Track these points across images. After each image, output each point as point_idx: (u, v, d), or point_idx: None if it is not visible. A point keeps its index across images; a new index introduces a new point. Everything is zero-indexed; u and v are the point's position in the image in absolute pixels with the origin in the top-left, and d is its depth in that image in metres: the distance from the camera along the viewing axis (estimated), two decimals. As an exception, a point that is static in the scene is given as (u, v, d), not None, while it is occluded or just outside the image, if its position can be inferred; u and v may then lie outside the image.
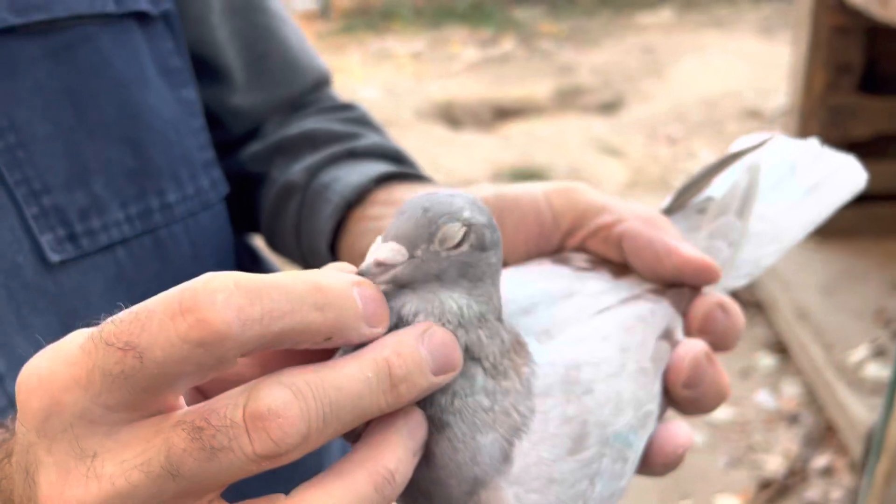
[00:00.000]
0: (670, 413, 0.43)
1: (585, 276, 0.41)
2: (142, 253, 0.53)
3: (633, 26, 7.34)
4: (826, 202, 0.47)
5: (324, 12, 8.44)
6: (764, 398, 2.67)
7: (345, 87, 6.19)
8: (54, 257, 0.48)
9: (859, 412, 2.19)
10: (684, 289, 0.42)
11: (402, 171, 0.59)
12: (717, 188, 0.46)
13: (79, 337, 0.27)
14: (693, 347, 0.40)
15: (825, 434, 2.44)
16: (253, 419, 0.26)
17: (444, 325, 0.31)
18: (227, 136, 0.67)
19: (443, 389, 0.32)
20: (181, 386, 0.27)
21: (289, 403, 0.26)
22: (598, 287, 0.40)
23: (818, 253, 3.01)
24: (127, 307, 0.27)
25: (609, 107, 5.56)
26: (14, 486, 0.29)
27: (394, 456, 0.30)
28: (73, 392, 0.25)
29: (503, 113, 5.59)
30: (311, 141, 0.64)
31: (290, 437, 0.26)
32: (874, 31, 2.81)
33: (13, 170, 0.47)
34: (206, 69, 0.63)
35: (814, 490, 2.27)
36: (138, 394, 0.26)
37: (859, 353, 2.40)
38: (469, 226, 0.32)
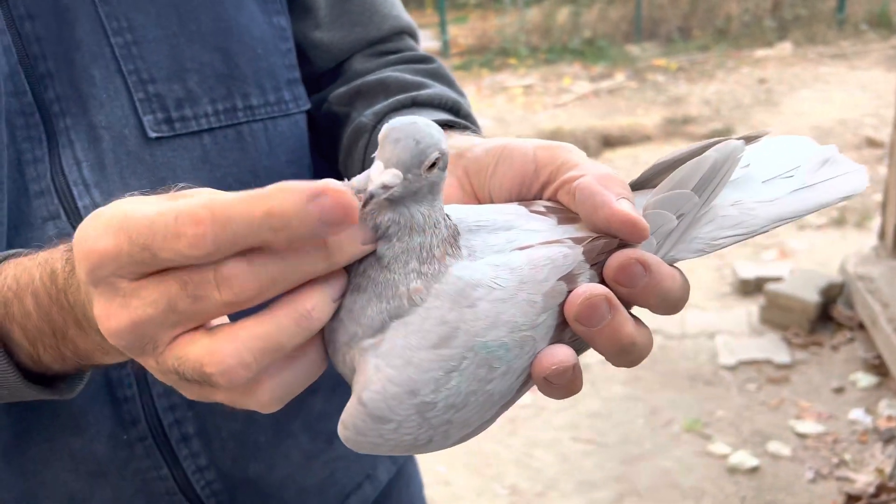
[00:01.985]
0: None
1: (533, 217, 0.46)
2: (224, 142, 0.64)
3: (749, 60, 7.20)
4: (809, 202, 0.48)
5: (444, 50, 8.80)
6: (859, 416, 2.57)
7: (457, 118, 6.41)
8: (152, 134, 0.60)
9: (957, 428, 2.09)
10: (613, 241, 0.44)
11: (452, 120, 0.65)
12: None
13: (111, 218, 0.38)
14: (592, 288, 0.42)
15: (922, 453, 2.33)
16: (221, 280, 0.37)
17: (412, 230, 0.40)
18: (314, 69, 0.76)
19: (373, 261, 0.40)
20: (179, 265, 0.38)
21: (246, 271, 0.37)
22: (536, 226, 0.45)
23: (925, 273, 2.89)
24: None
25: (717, 135, 5.47)
26: (78, 299, 0.43)
27: (311, 299, 0.39)
28: (110, 259, 0.37)
29: (609, 141, 5.62)
30: (385, 87, 0.72)
31: (246, 291, 0.37)
32: None
33: (127, 61, 0.60)
34: (295, 3, 0.74)
35: (905, 508, 2.17)
36: (151, 268, 0.38)
37: (960, 369, 2.29)
38: (442, 153, 0.40)
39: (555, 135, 5.69)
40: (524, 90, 7.00)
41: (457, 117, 0.69)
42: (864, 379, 2.72)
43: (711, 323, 3.23)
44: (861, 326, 2.91)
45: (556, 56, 8.08)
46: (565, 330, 0.43)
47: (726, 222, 0.47)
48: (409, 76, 0.73)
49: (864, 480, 2.30)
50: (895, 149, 2.99)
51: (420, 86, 0.72)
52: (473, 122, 0.70)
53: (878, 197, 3.63)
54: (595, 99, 6.58)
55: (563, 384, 0.43)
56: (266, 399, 0.41)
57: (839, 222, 4.13)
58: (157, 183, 0.61)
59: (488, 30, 9.07)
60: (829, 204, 0.48)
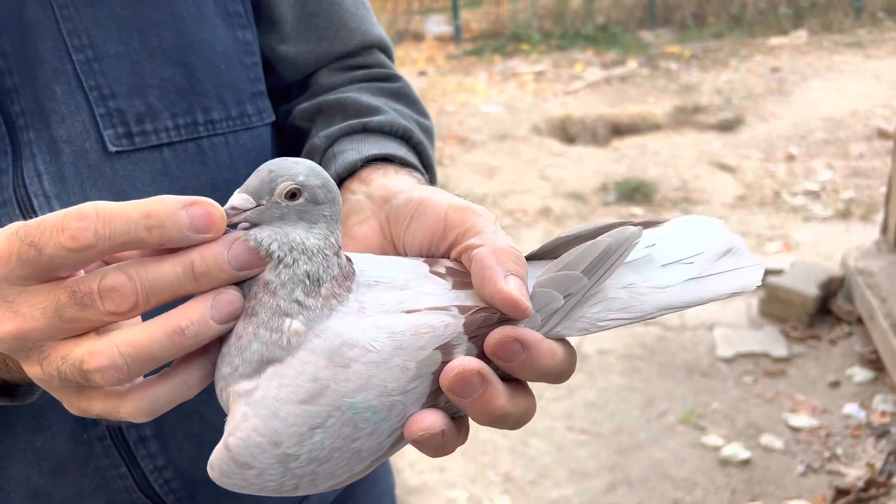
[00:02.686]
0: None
1: (430, 279, 0.47)
2: (185, 155, 0.66)
3: (763, 48, 7.12)
4: (700, 293, 0.48)
5: (456, 35, 8.77)
6: (853, 410, 2.58)
7: (468, 104, 6.42)
8: (112, 148, 0.62)
9: (947, 425, 2.10)
10: (495, 314, 0.45)
11: (390, 154, 0.67)
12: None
13: (12, 227, 0.41)
14: (465, 362, 0.44)
15: (914, 449, 2.34)
16: (103, 290, 0.40)
17: (299, 256, 0.43)
18: (280, 81, 0.78)
19: (262, 287, 0.43)
20: (65, 270, 0.41)
21: (125, 284, 0.41)
22: (430, 289, 0.46)
23: (926, 268, 2.88)
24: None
25: (728, 124, 5.45)
26: None
27: (188, 316, 0.42)
28: (1, 264, 0.40)
29: (618, 129, 5.60)
30: (342, 109, 0.74)
31: (126, 303, 0.41)
32: None
33: (89, 77, 0.62)
34: (261, 17, 0.75)
35: (894, 503, 2.18)
36: (39, 271, 0.41)
37: (954, 366, 2.30)
38: (303, 186, 0.43)
39: (564, 122, 5.68)
40: (535, 76, 6.97)
41: (408, 144, 0.71)
42: (860, 374, 2.73)
43: (711, 315, 3.24)
44: (860, 321, 2.91)
45: (569, 42, 8.03)
46: (441, 395, 0.45)
47: (614, 304, 0.48)
48: (366, 98, 0.75)
49: (854, 475, 2.32)
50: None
51: (374, 111, 0.73)
52: (424, 152, 0.72)
53: (885, 189, 3.61)
54: (606, 86, 6.54)
55: (434, 446, 0.45)
56: (132, 409, 0.43)
57: (845, 215, 4.11)
58: (117, 195, 0.63)
59: (501, 15, 9.02)
60: (716, 299, 0.49)
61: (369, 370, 0.43)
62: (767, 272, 3.36)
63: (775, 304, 3.11)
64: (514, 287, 0.45)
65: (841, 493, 2.25)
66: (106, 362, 0.41)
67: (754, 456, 2.48)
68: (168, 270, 0.42)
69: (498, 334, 0.44)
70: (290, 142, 0.79)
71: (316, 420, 0.42)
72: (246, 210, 0.43)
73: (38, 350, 0.42)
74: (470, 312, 0.45)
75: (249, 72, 0.72)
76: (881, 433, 2.46)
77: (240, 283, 0.44)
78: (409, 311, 0.45)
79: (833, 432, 2.53)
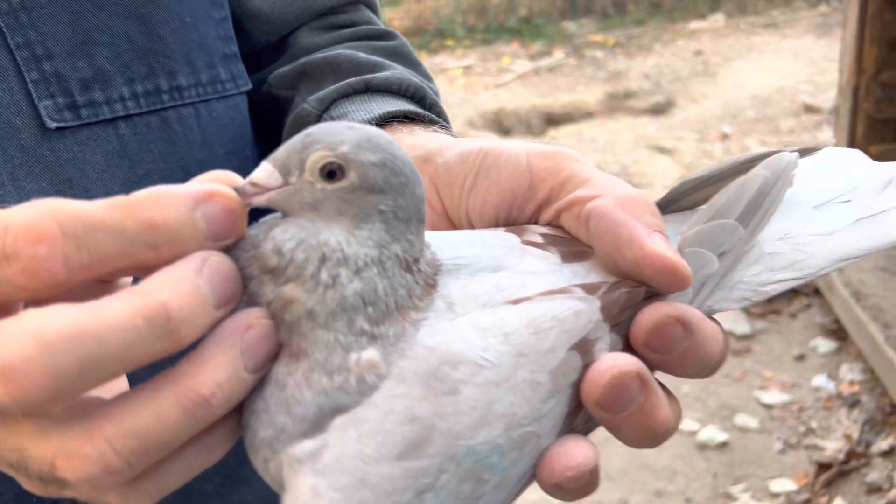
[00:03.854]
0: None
1: (528, 252, 0.34)
2: (147, 131, 0.52)
3: (685, 32, 7.26)
4: (876, 238, 0.38)
5: (377, 34, 8.62)
6: (822, 382, 2.57)
7: (396, 102, 6.29)
8: (52, 124, 0.48)
9: (922, 389, 2.09)
10: (639, 289, 0.34)
11: (411, 111, 0.53)
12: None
13: None
14: (620, 363, 0.32)
15: (888, 416, 2.33)
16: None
17: (325, 258, 0.29)
18: (252, 43, 0.64)
19: (304, 316, 0.29)
20: (13, 304, 0.27)
21: (32, 358, 0.24)
22: (534, 266, 0.34)
23: (877, 235, 2.91)
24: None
25: (660, 108, 5.50)
26: None
27: (212, 378, 0.27)
28: None
29: (553, 119, 5.58)
30: (335, 68, 0.61)
31: (30, 394, 0.24)
32: (926, 4, 2.73)
33: (15, 32, 0.47)
34: None
35: (876, 472, 2.16)
36: None
37: (921, 329, 2.30)
38: (346, 161, 0.29)
39: (498, 115, 5.62)
40: (464, 71, 6.90)
41: (420, 106, 0.57)
42: (824, 345, 2.73)
43: (669, 297, 3.21)
44: (817, 292, 2.92)
45: (494, 35, 8.01)
46: (578, 416, 0.32)
47: (776, 262, 0.37)
48: (363, 55, 0.61)
49: (833, 447, 2.29)
50: (840, 114, 2.99)
51: (376, 67, 0.60)
52: (441, 114, 0.58)
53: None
54: (535, 77, 6.52)
55: (580, 487, 0.32)
56: (143, 500, 0.29)
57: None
58: (60, 185, 0.48)
59: (423, 11, 8.93)
60: None
61: (488, 395, 0.29)
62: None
63: (732, 281, 3.10)
64: (665, 247, 0.32)
65: (823, 467, 2.22)
66: (95, 469, 0.26)
67: (731, 437, 2.43)
68: (121, 325, 0.26)
69: (654, 315, 0.32)
70: (264, 117, 0.64)
71: (423, 481, 0.29)
72: (270, 190, 0.29)
73: None
74: (602, 291, 0.33)
75: (219, 28, 0.58)
76: (852, 403, 2.45)
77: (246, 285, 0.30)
78: (515, 301, 0.32)
79: (805, 406, 2.51)
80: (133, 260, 0.27)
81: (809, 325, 2.86)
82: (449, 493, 0.29)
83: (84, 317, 0.25)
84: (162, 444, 0.27)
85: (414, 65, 0.64)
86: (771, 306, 3.00)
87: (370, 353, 0.29)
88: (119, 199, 0.27)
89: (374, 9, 0.70)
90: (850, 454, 2.22)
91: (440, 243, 0.34)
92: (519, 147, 0.38)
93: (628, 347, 0.33)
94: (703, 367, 0.35)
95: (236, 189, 0.30)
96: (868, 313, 2.46)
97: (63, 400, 0.25)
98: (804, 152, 0.40)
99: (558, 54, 7.06)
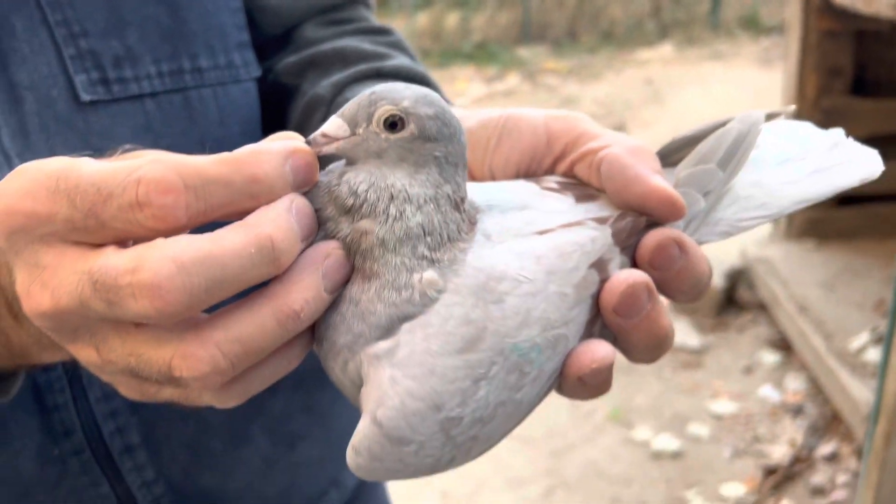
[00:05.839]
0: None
1: (548, 195, 0.41)
2: (170, 108, 0.56)
3: (635, 61, 7.49)
4: (829, 184, 0.45)
5: (333, 56, 8.66)
6: (768, 392, 2.68)
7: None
8: (85, 97, 0.52)
9: (862, 396, 2.20)
10: (641, 219, 0.40)
11: None
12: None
13: (43, 176, 0.31)
14: (632, 275, 0.38)
15: (830, 423, 2.44)
16: (139, 287, 0.29)
17: (407, 206, 0.35)
18: (260, 35, 0.68)
19: (376, 243, 0.35)
20: (128, 240, 0.32)
21: (172, 277, 0.29)
22: (553, 206, 0.40)
23: (817, 253, 3.05)
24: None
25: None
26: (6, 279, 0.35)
27: (301, 296, 0.33)
28: (39, 223, 0.31)
29: (508, 141, 5.69)
30: (343, 58, 0.65)
31: (170, 306, 0.30)
32: (862, 36, 2.90)
33: (55, 10, 0.51)
34: None
35: (820, 475, 2.26)
36: (86, 238, 0.31)
37: (860, 340, 2.42)
38: (407, 114, 0.35)
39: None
40: (420, 94, 6.99)
41: None
42: (770, 357, 2.84)
43: (623, 313, 3.29)
44: (762, 308, 3.04)
45: (448, 59, 8.13)
46: (595, 324, 0.39)
47: (750, 203, 0.44)
48: (368, 46, 0.66)
49: (779, 453, 2.39)
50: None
51: (383, 56, 0.65)
52: (447, 102, 0.64)
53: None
54: (490, 102, 6.64)
55: (598, 384, 0.39)
56: (232, 399, 0.35)
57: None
58: (92, 155, 0.52)
59: (379, 35, 9.02)
60: (847, 187, 0.46)
61: (527, 303, 0.36)
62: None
63: (683, 297, 3.20)
64: (666, 184, 0.39)
65: (770, 472, 2.31)
66: (207, 368, 0.31)
67: (684, 446, 2.51)
68: (239, 252, 0.32)
69: (657, 236, 0.39)
70: (271, 103, 0.68)
71: (479, 371, 0.35)
72: (339, 140, 0.36)
73: (90, 335, 0.32)
74: (611, 221, 0.40)
75: (234, 17, 0.62)
76: (797, 411, 2.56)
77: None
78: (541, 232, 0.39)
79: (753, 415, 2.61)
80: (237, 207, 0.32)
81: (756, 339, 2.97)
82: (499, 383, 0.36)
83: (209, 245, 0.31)
84: (259, 349, 0.32)
85: (413, 58, 0.69)
86: (719, 321, 3.12)
87: (430, 273, 0.35)
88: (226, 156, 0.32)
89: (369, 7, 0.75)
90: (796, 459, 2.32)
91: (475, 190, 0.40)
92: (536, 112, 0.45)
93: (635, 267, 0.40)
94: (695, 284, 0.41)
95: (307, 140, 0.35)
96: (811, 326, 2.58)
97: (192, 313, 0.31)
98: (769, 116, 0.47)
99: (512, 79, 7.21)
